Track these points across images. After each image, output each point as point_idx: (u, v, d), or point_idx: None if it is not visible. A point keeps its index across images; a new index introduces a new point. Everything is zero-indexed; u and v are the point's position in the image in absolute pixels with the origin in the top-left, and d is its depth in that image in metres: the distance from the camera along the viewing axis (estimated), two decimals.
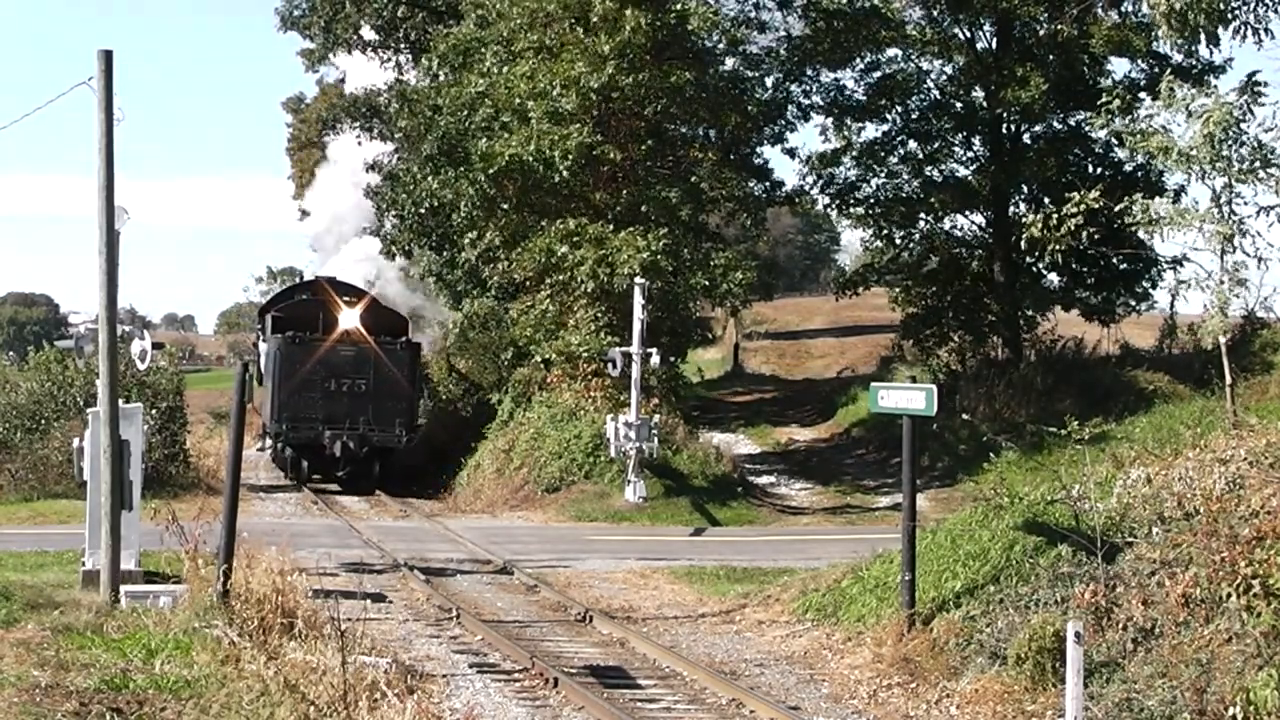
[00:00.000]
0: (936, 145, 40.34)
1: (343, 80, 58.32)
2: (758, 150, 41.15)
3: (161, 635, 13.83)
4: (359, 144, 49.73)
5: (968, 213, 40.92)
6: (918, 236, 41.70)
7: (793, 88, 40.07)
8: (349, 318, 37.29)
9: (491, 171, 33.36)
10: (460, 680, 14.02)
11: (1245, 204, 16.19)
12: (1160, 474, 14.40)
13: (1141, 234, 20.33)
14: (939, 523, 18.75)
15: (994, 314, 40.20)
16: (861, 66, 40.39)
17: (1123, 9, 37.50)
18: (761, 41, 39.74)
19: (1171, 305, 38.17)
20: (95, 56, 16.29)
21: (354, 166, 51.71)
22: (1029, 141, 39.93)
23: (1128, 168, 37.14)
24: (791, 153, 41.72)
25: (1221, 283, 16.18)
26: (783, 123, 39.97)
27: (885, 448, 36.51)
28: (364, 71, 50.95)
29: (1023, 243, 19.01)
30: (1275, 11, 15.47)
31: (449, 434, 41.87)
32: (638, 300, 30.07)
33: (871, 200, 41.01)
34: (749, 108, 38.02)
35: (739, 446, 41.65)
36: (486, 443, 36.60)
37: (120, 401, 16.99)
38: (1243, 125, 15.83)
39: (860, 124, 40.98)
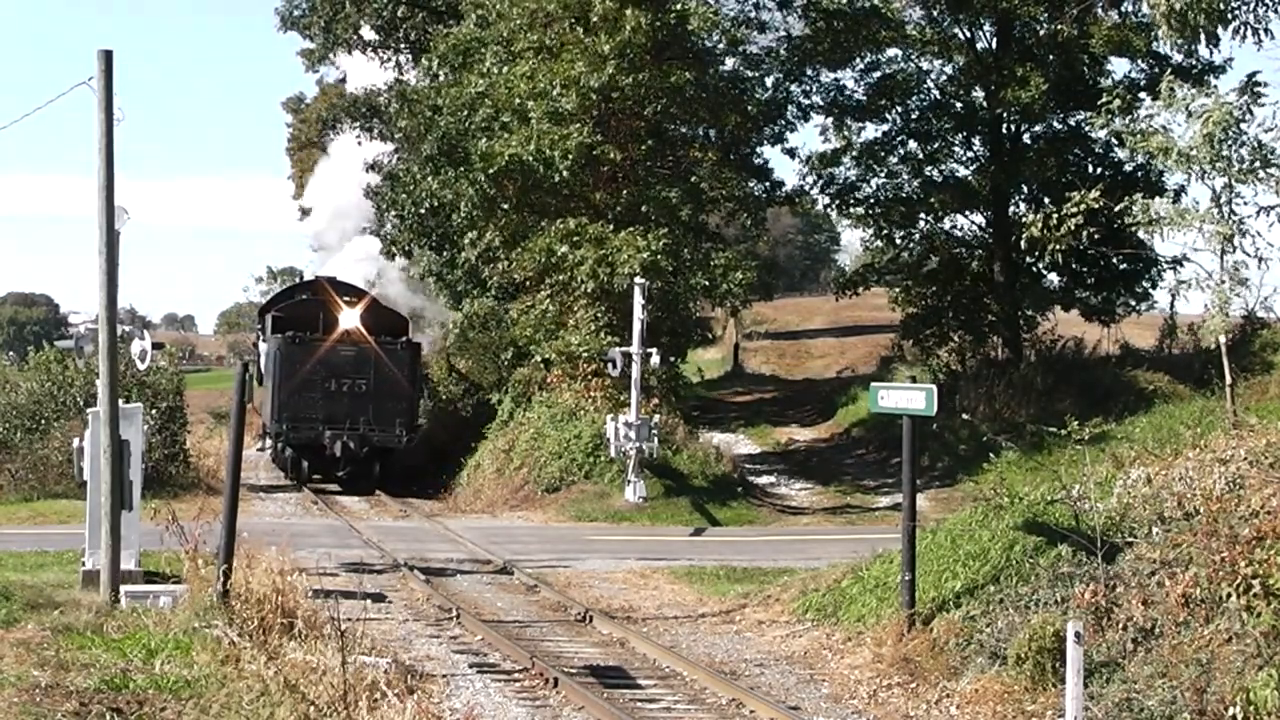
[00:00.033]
0: (936, 145, 40.34)
1: (343, 80, 58.31)
2: (758, 150, 41.18)
3: (161, 635, 13.83)
4: (359, 144, 49.79)
5: (968, 213, 40.94)
6: (918, 236, 41.71)
7: (793, 88, 40.06)
8: (349, 318, 37.29)
9: (491, 171, 33.36)
10: (460, 680, 14.02)
11: (1245, 204, 16.21)
12: (1160, 474, 14.40)
13: (1141, 234, 20.36)
14: (939, 523, 18.75)
15: (994, 314, 40.20)
16: (861, 66, 40.42)
17: (1123, 9, 37.52)
18: (761, 41, 39.80)
19: (1171, 305, 38.22)
20: (95, 56, 16.31)
21: (354, 164, 51.72)
22: (1029, 141, 39.93)
23: (1128, 168, 37.13)
24: (791, 153, 41.78)
25: (1222, 282, 16.18)
26: (783, 123, 39.97)
27: (885, 448, 36.51)
28: (364, 71, 51.02)
29: (1023, 243, 19.01)
30: (1275, 11, 15.47)
31: (449, 434, 41.87)
32: (638, 300, 30.08)
33: (871, 200, 41.01)
34: (749, 108, 38.02)
35: (739, 446, 41.65)
36: (486, 443, 36.60)
37: (120, 401, 16.99)
38: (1243, 125, 15.83)
39: (860, 124, 41.02)
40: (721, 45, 37.79)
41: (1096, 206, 16.88)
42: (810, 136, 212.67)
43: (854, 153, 40.47)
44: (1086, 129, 34.11)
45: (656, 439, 30.19)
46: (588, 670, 14.48)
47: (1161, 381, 35.53)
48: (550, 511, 30.36)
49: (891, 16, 38.35)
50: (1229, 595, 11.58)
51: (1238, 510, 12.72)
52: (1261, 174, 15.91)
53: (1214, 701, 10.81)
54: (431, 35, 40.53)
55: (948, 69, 40.50)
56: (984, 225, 40.74)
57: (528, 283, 35.62)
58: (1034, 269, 38.46)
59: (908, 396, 15.04)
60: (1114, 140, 31.11)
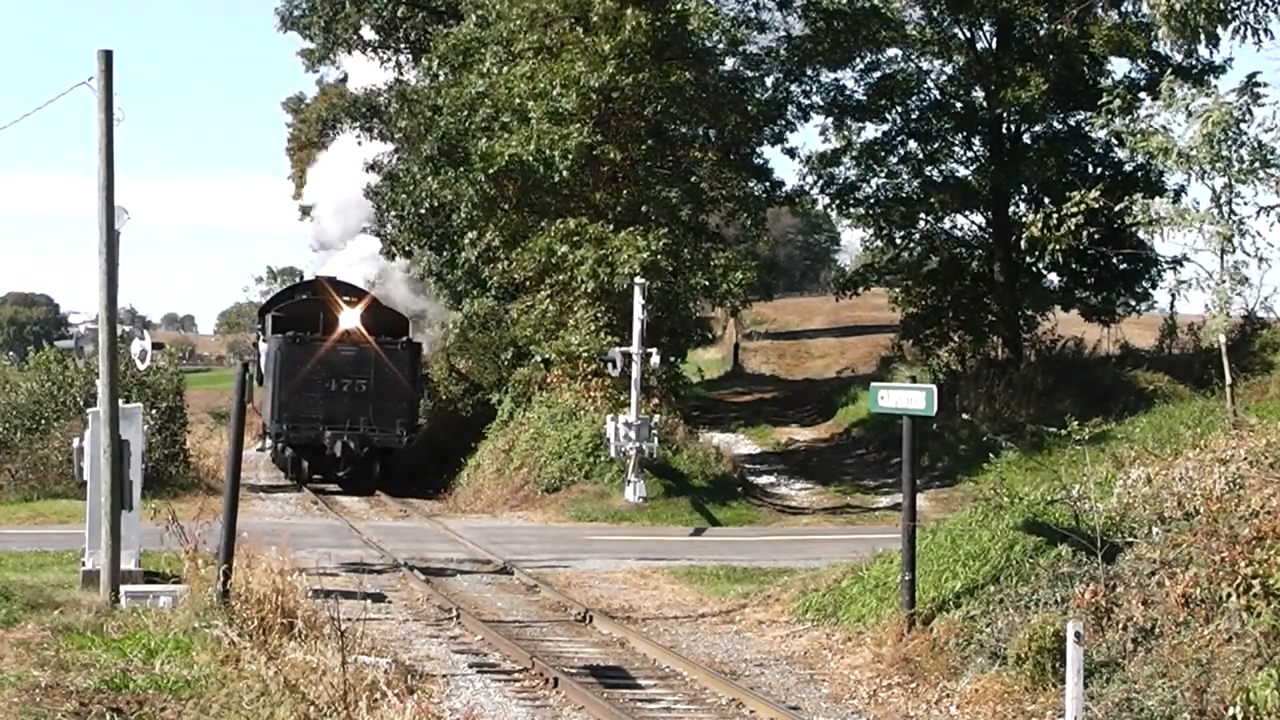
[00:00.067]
0: (936, 145, 40.34)
1: (344, 80, 58.30)
2: (758, 150, 41.18)
3: (161, 635, 13.83)
4: (359, 144, 49.79)
5: (968, 213, 40.94)
6: (918, 236, 41.71)
7: (793, 88, 40.06)
8: (349, 318, 37.28)
9: (491, 171, 33.36)
10: (460, 680, 14.02)
11: (1245, 204, 16.21)
12: (1160, 474, 14.40)
13: (1141, 234, 20.36)
14: (939, 523, 18.75)
15: (994, 314, 40.20)
16: (861, 66, 40.41)
17: (1123, 9, 37.52)
18: (761, 41, 39.79)
19: (1171, 305, 38.20)
20: (95, 56, 16.31)
21: (355, 159, 51.68)
22: (1029, 141, 39.93)
23: (1128, 168, 37.12)
24: (791, 153, 41.76)
25: (1222, 282, 16.18)
26: (783, 123, 39.96)
27: (885, 448, 36.51)
28: (364, 71, 51.02)
29: (1023, 243, 19.00)
30: (1275, 11, 15.48)
31: (449, 434, 41.86)
32: (638, 300, 30.08)
33: (871, 200, 41.01)
34: (749, 108, 38.02)
35: (739, 446, 41.65)
36: (486, 443, 36.60)
37: (120, 401, 16.99)
38: (1243, 125, 15.83)
39: (860, 124, 41.01)
40: (721, 45, 37.79)
41: (1096, 206, 16.88)
42: (810, 136, 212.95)
43: (854, 153, 40.47)
44: (1086, 129, 34.11)
45: (656, 439, 30.19)
46: (588, 670, 14.48)
47: (1161, 381, 35.53)
48: (550, 511, 30.36)
49: (891, 16, 38.35)
50: (1229, 595, 11.58)
51: (1238, 510, 12.72)
52: (1261, 174, 15.91)
53: (1214, 701, 10.81)
54: (431, 35, 40.53)
55: (948, 69, 40.52)
56: (984, 225, 40.74)
57: (528, 283, 35.63)
58: (1034, 269, 38.46)
59: (908, 396, 15.04)
60: (1114, 140, 31.11)
